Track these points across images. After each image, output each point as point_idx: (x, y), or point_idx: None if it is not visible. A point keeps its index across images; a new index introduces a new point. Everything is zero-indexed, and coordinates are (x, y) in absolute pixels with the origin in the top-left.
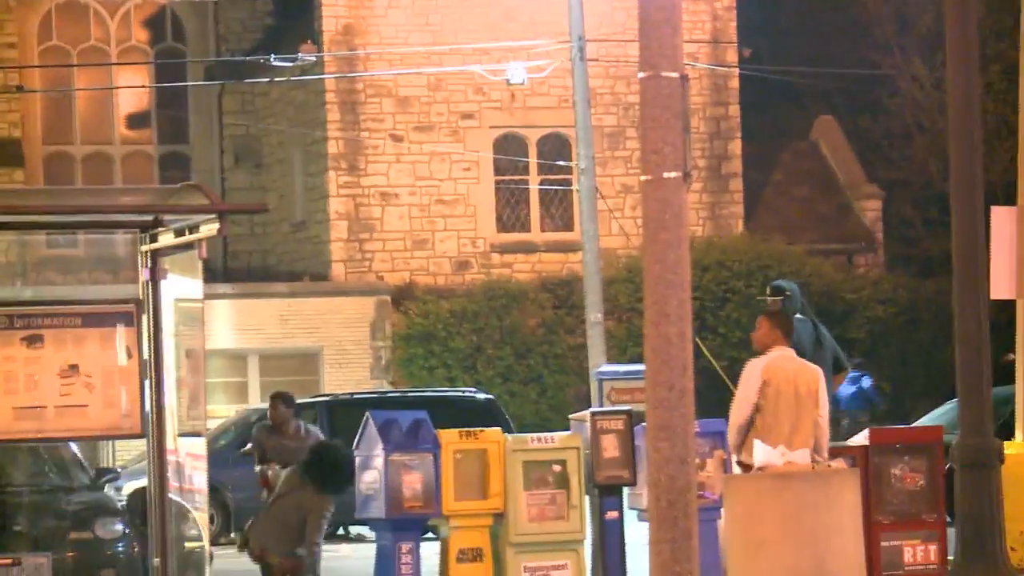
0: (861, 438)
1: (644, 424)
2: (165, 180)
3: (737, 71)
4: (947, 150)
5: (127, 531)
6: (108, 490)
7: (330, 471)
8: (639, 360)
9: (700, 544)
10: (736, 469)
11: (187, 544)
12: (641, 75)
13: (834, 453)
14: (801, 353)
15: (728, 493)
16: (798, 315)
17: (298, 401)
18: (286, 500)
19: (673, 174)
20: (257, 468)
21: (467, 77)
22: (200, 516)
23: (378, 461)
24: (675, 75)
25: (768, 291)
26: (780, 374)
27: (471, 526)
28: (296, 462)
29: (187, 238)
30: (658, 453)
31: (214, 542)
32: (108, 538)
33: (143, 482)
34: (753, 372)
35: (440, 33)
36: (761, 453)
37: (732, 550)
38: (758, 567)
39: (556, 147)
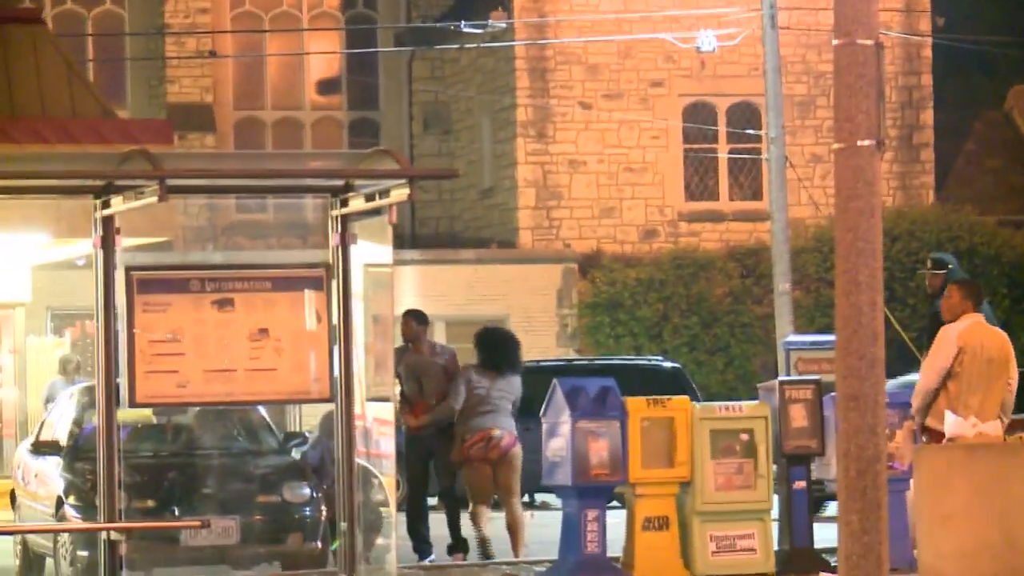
0: None
1: (833, 394)
2: (354, 146)
3: (930, 40)
4: None
5: (315, 495)
6: (295, 454)
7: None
8: (827, 330)
9: (888, 515)
10: (919, 436)
11: (374, 509)
12: (836, 42)
13: None
14: None
15: (918, 464)
16: None
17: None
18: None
19: (867, 142)
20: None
21: (657, 45)
22: (387, 481)
23: (565, 428)
24: (870, 42)
25: (929, 263)
26: (974, 340)
27: (658, 494)
28: (428, 378)
29: (377, 203)
30: (848, 423)
31: (400, 508)
32: (296, 502)
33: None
34: (948, 338)
35: (631, 0)
36: (952, 424)
37: (921, 521)
38: (947, 539)
39: (745, 116)
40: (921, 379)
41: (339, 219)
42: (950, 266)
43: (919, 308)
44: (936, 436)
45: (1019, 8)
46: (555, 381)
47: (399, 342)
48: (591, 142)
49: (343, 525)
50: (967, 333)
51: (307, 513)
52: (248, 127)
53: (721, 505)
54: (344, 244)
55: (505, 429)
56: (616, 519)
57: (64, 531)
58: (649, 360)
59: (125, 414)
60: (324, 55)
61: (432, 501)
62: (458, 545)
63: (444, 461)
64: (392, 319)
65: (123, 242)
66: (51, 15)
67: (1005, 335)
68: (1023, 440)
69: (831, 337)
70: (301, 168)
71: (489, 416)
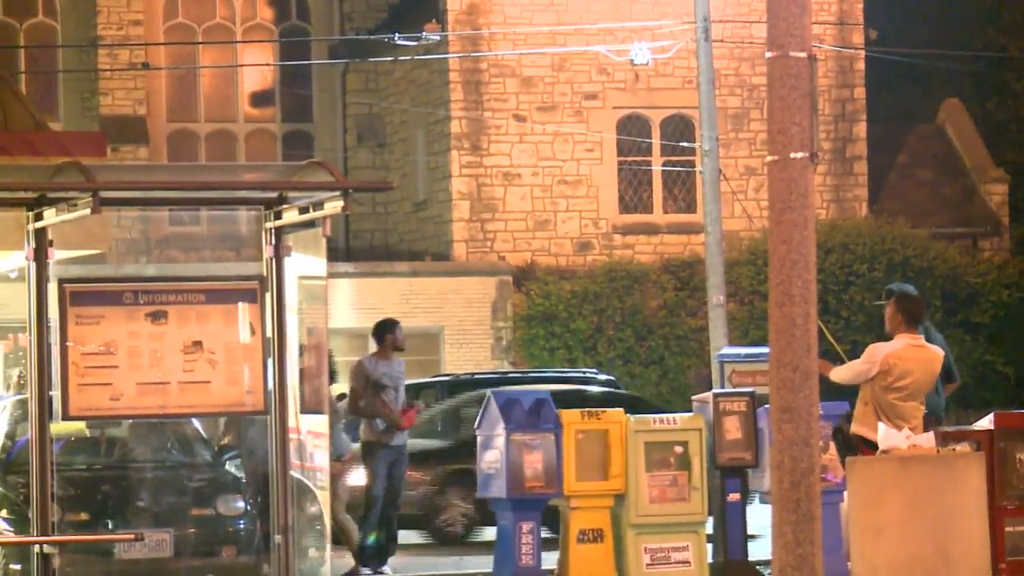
0: (987, 422)
1: (767, 406)
2: (288, 159)
3: (863, 53)
4: None
5: (248, 508)
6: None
7: None
8: (761, 343)
9: (823, 527)
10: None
11: (308, 522)
12: (769, 54)
13: (958, 437)
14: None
15: (851, 476)
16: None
17: (416, 381)
18: None
19: (800, 154)
20: (415, 404)
21: (591, 58)
22: (322, 494)
23: (500, 441)
24: (803, 55)
25: (884, 295)
26: (902, 363)
27: (592, 507)
28: (401, 386)
29: (311, 215)
30: (781, 435)
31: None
32: (230, 515)
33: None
34: (873, 356)
35: (564, 13)
36: (885, 435)
37: (855, 533)
38: (881, 550)
39: (679, 128)
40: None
41: (273, 231)
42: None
43: (852, 321)
44: (868, 445)
45: (952, 22)
46: (489, 393)
47: (335, 355)
48: (525, 155)
49: (277, 538)
50: (895, 355)
51: (241, 526)
52: (182, 139)
53: (656, 517)
54: (278, 256)
55: None
56: (550, 532)
57: None
58: (584, 373)
59: (58, 427)
60: (258, 67)
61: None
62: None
63: (403, 471)
64: (326, 331)
65: (56, 254)
66: None
67: (938, 354)
68: (956, 452)
69: (765, 349)
70: (235, 180)
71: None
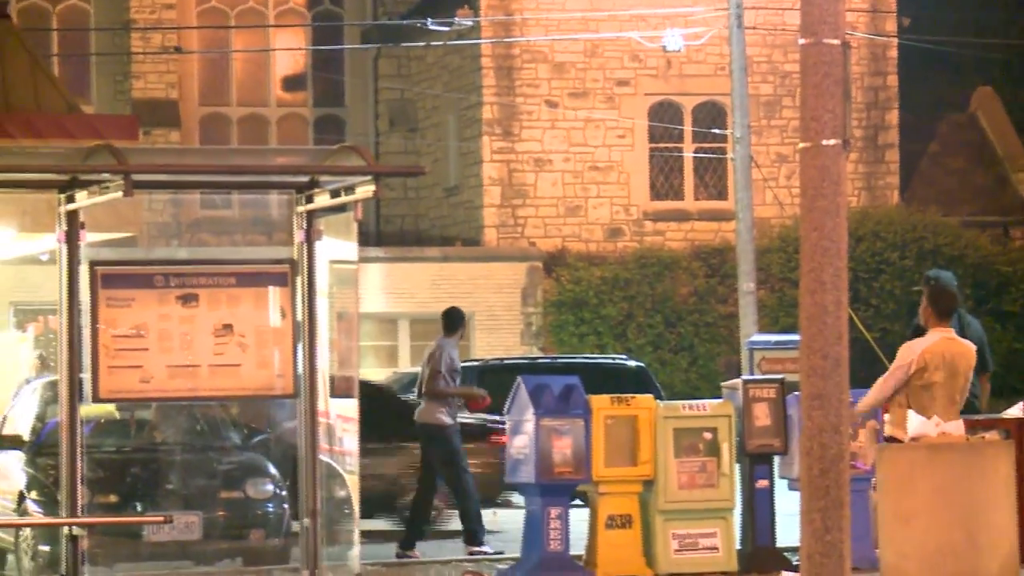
0: (1017, 410)
1: (796, 393)
2: (320, 143)
3: (896, 40)
4: None
5: (277, 491)
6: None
7: None
8: (790, 330)
9: (851, 514)
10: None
11: (337, 505)
12: (802, 41)
13: (988, 425)
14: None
15: (880, 463)
16: None
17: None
18: None
19: (832, 141)
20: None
21: (623, 44)
22: (350, 478)
23: (529, 426)
24: (836, 42)
25: (922, 281)
26: (935, 358)
27: (621, 492)
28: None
29: (343, 199)
30: (811, 422)
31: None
32: (258, 498)
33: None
34: (908, 354)
35: None
36: (916, 424)
37: (883, 521)
38: (909, 538)
39: (711, 115)
40: (873, 390)
41: (304, 215)
42: (931, 281)
43: (883, 309)
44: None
45: (985, 10)
46: (519, 379)
47: (365, 340)
48: (557, 141)
49: (306, 521)
50: (930, 350)
51: (270, 509)
52: (213, 123)
53: (684, 504)
54: (309, 241)
55: None
56: (579, 517)
57: (26, 526)
58: (613, 359)
59: (88, 409)
60: (290, 52)
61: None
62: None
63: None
64: (357, 316)
65: (87, 237)
66: (16, 9)
67: (970, 348)
68: (985, 440)
69: (795, 337)
70: (266, 164)
71: None
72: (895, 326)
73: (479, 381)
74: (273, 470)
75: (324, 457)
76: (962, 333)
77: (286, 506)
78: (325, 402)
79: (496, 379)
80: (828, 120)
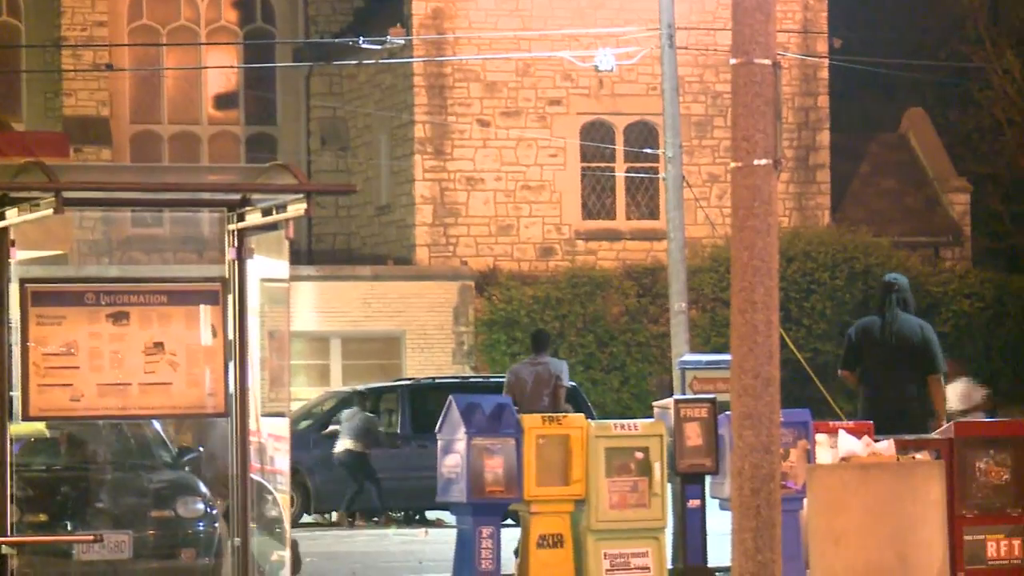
0: (947, 431)
1: (728, 413)
2: (252, 161)
3: (827, 61)
4: None
5: (208, 510)
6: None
7: None
8: (722, 350)
9: (782, 534)
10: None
11: (268, 525)
12: (733, 61)
13: (919, 445)
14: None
15: (811, 483)
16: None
17: (377, 385)
18: None
19: (764, 161)
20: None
21: (555, 63)
22: (282, 498)
23: (460, 445)
24: (767, 62)
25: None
26: None
27: (552, 512)
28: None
29: (275, 217)
30: (742, 441)
31: (293, 524)
32: (189, 517)
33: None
34: None
35: (529, 19)
36: (845, 443)
37: (814, 541)
38: (840, 558)
39: (643, 135)
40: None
41: (236, 233)
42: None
43: (814, 329)
44: None
45: (916, 32)
46: (451, 398)
47: (297, 358)
48: (489, 159)
49: (237, 541)
50: None
51: (200, 528)
52: (145, 141)
53: (616, 523)
54: (241, 259)
55: None
56: (510, 536)
57: None
58: None
59: (18, 428)
60: (222, 70)
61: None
62: None
63: None
64: (288, 334)
65: (18, 255)
66: None
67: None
68: (916, 460)
69: (726, 357)
70: (198, 182)
71: None
72: (826, 346)
73: (410, 401)
74: (204, 489)
75: (255, 476)
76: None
77: (217, 525)
78: (256, 421)
79: (428, 398)
80: (759, 140)
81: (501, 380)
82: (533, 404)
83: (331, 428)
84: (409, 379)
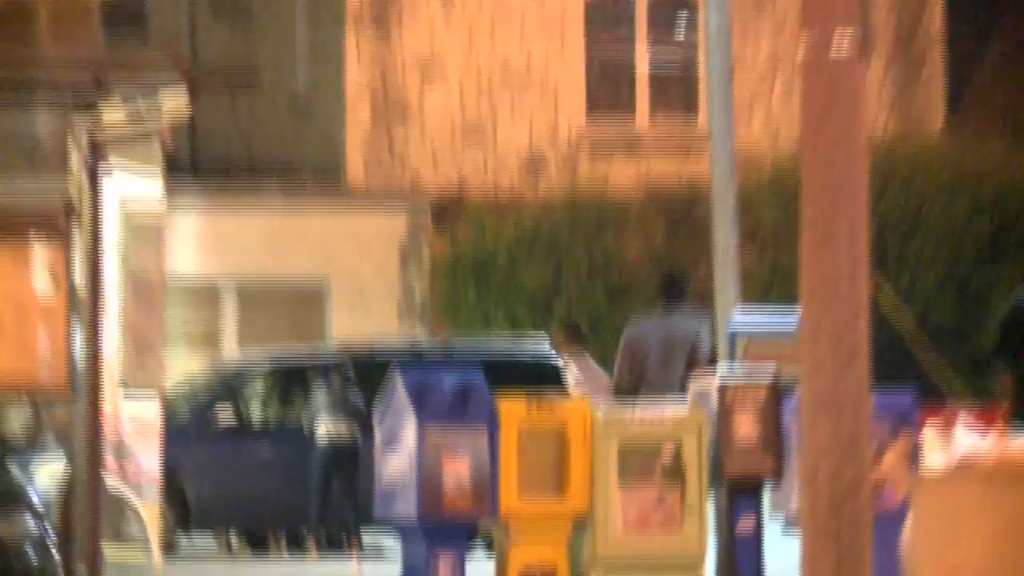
0: None
1: (795, 396)
2: (112, 38)
3: None
4: None
5: (40, 527)
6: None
7: None
8: (788, 304)
9: (874, 568)
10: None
11: (126, 548)
12: None
13: None
14: None
15: (916, 497)
16: None
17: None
18: None
19: (846, 43)
20: None
21: None
22: (147, 512)
23: (408, 439)
24: None
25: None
26: None
27: (541, 535)
28: None
29: (143, 117)
30: (816, 437)
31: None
32: (13, 536)
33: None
34: None
35: None
36: (964, 439)
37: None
38: None
39: (675, 3)
40: None
41: (86, 137)
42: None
43: (921, 280)
44: None
45: None
46: (396, 375)
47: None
48: (453, 38)
49: (82, 568)
50: None
51: (29, 553)
52: None
53: (633, 551)
54: (93, 174)
55: None
56: (480, 571)
57: None
58: (532, 347)
59: None
60: None
61: None
62: None
63: None
64: (162, 283)
65: None
66: None
67: None
68: None
69: (793, 316)
70: (32, 56)
71: None
72: (940, 304)
73: (340, 377)
74: (35, 497)
75: (111, 481)
76: None
77: (53, 549)
78: (114, 403)
79: (364, 374)
80: (842, 10)
81: (470, 350)
82: (664, 378)
83: (223, 416)
84: (337, 347)
